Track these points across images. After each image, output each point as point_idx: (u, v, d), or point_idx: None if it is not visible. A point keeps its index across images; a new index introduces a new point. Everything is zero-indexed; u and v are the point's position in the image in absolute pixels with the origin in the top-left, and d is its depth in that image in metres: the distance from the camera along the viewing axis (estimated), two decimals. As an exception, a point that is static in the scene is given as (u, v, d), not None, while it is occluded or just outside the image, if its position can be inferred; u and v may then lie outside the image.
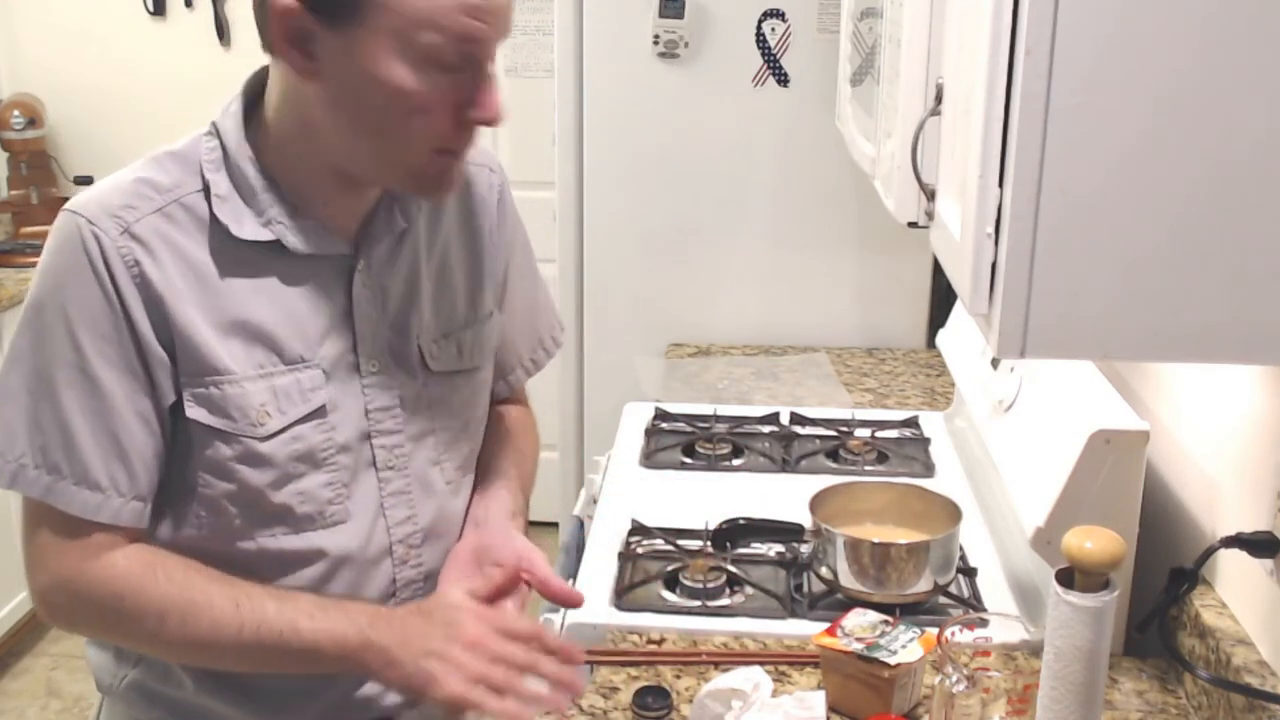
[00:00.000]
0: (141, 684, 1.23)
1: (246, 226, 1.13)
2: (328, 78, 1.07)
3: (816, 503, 1.58)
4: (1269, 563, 1.25)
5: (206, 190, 1.13)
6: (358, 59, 1.05)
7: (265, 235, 1.14)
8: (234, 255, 1.13)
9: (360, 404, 1.20)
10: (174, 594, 1.11)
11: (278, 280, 1.15)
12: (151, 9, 3.63)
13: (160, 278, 1.10)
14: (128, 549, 1.12)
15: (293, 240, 1.15)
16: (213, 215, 1.13)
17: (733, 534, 1.62)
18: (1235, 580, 1.35)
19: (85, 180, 3.66)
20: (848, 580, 1.50)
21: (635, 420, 2.15)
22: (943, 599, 1.53)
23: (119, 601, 1.12)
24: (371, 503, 1.21)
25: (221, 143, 1.14)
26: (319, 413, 1.17)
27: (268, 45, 1.10)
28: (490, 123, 1.10)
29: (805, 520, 1.56)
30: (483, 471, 1.36)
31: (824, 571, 1.53)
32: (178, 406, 1.13)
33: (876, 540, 1.49)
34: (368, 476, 1.21)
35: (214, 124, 1.16)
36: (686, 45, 2.47)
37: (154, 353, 1.10)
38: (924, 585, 1.49)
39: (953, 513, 1.55)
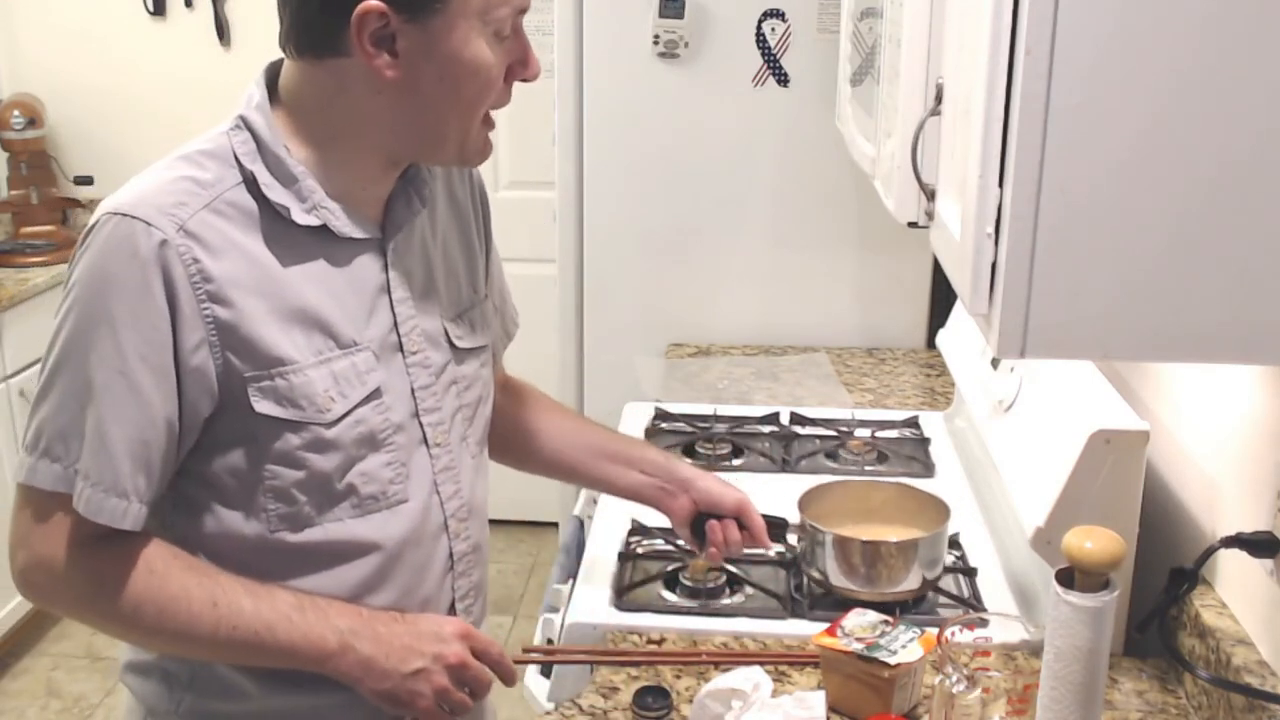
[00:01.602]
0: (201, 707, 1.23)
1: (296, 212, 1.14)
2: (407, 71, 1.10)
3: (805, 502, 1.58)
4: (1269, 563, 1.25)
5: (246, 183, 1.13)
6: (441, 45, 1.10)
7: (313, 220, 1.15)
8: (287, 243, 1.14)
9: (407, 383, 1.22)
10: (153, 586, 1.12)
11: (326, 265, 1.16)
12: (151, 9, 3.63)
13: (221, 273, 1.10)
14: (112, 536, 1.12)
15: (337, 223, 1.16)
16: (261, 205, 1.13)
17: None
18: (1235, 580, 1.35)
19: (85, 180, 3.67)
20: (837, 579, 1.50)
21: (635, 420, 2.15)
22: (941, 598, 1.53)
23: (99, 588, 1.12)
24: (426, 480, 1.24)
25: (254, 134, 1.15)
26: (375, 394, 1.18)
27: (326, 48, 1.11)
28: (535, 78, 1.18)
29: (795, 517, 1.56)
30: (590, 440, 1.52)
31: (814, 572, 1.53)
32: (236, 406, 1.12)
33: (865, 539, 1.49)
34: (420, 454, 1.23)
35: (240, 117, 1.16)
36: (686, 45, 2.47)
37: (193, 362, 1.10)
38: (913, 583, 1.49)
39: (941, 510, 1.55)
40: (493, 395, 1.38)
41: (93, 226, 1.10)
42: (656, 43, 2.47)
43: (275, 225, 1.13)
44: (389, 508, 1.20)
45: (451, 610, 1.29)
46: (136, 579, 1.12)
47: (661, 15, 2.44)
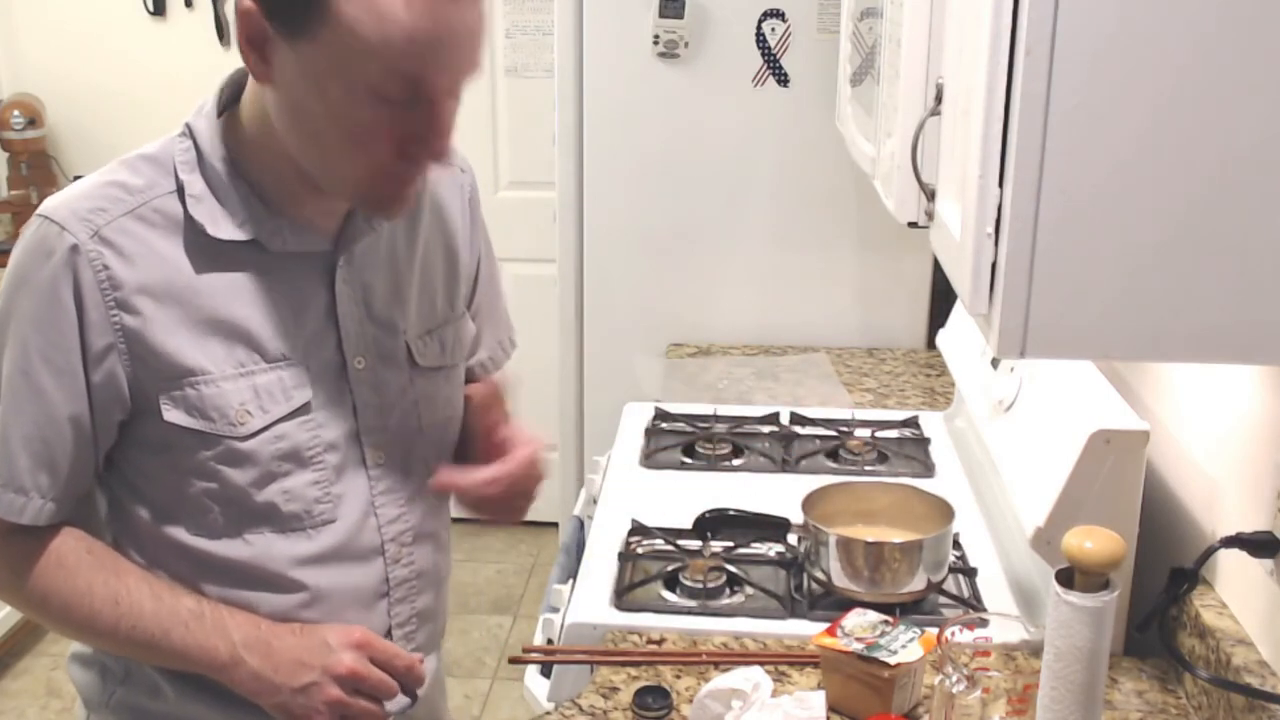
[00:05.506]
0: (130, 701, 1.24)
1: (222, 226, 1.13)
2: (279, 84, 1.07)
3: (809, 503, 1.58)
4: (1269, 563, 1.25)
5: (180, 191, 1.12)
6: (304, 72, 1.04)
7: (241, 235, 1.13)
8: (211, 254, 1.13)
9: (348, 402, 1.20)
10: (60, 579, 1.14)
11: (257, 278, 1.15)
12: (151, 9, 3.64)
13: (132, 280, 1.10)
14: (25, 529, 1.14)
15: (269, 239, 1.14)
16: (187, 215, 1.12)
17: (715, 524, 1.62)
18: (1235, 580, 1.35)
19: (85, 180, 3.67)
20: (840, 580, 1.50)
21: (635, 420, 2.15)
22: (941, 598, 1.53)
23: (12, 576, 1.15)
24: (361, 501, 1.21)
25: (195, 143, 1.14)
26: (303, 410, 1.16)
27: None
28: (435, 160, 1.08)
29: (797, 518, 1.56)
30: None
31: (817, 573, 1.53)
32: (150, 414, 1.12)
33: (870, 540, 1.49)
34: (357, 475, 1.21)
35: (187, 124, 1.15)
36: (686, 45, 2.47)
37: (102, 367, 1.10)
38: (918, 584, 1.49)
39: (945, 512, 1.55)
40: (460, 415, 1.35)
41: (25, 227, 1.12)
42: (656, 43, 2.47)
43: (201, 235, 1.12)
44: (314, 527, 1.18)
45: (388, 637, 1.26)
46: (45, 571, 1.14)
47: (661, 15, 2.44)
